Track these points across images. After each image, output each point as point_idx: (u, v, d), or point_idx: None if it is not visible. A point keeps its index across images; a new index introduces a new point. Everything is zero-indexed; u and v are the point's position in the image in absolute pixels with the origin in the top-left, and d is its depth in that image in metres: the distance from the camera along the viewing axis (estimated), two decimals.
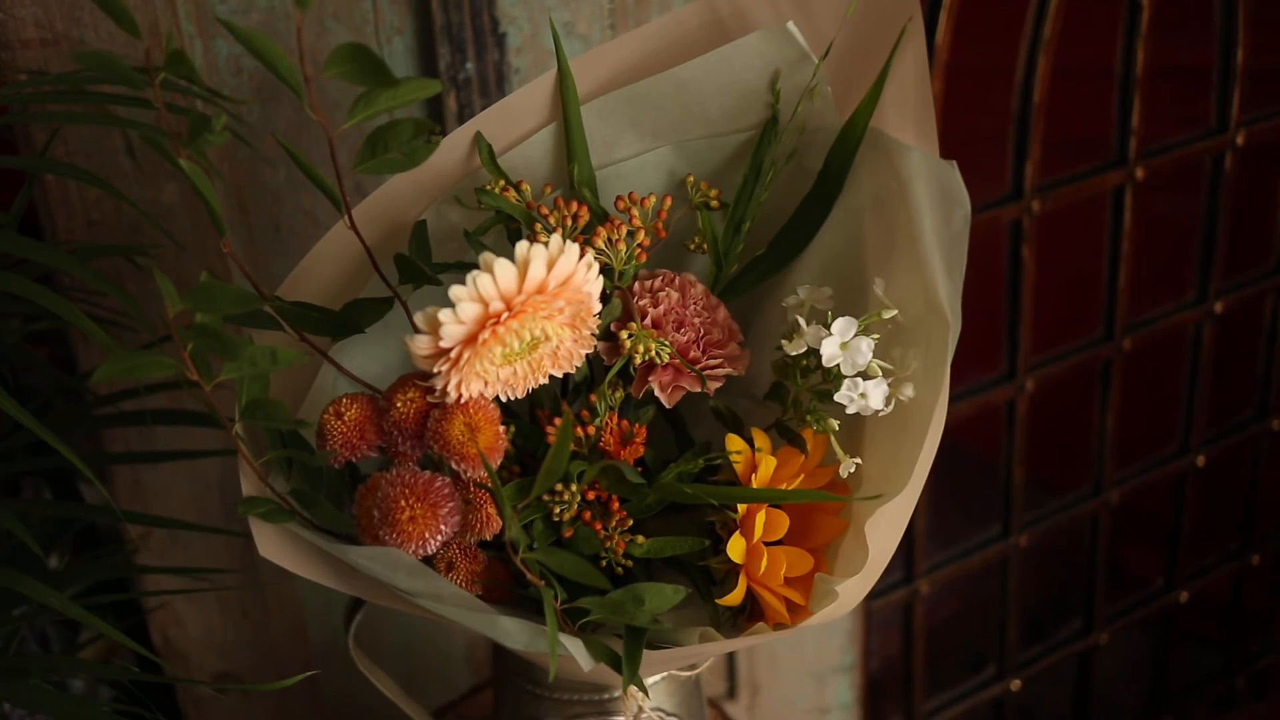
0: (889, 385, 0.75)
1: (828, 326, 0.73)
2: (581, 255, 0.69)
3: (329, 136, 0.68)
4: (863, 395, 0.73)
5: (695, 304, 0.79)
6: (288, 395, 0.78)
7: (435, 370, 0.66)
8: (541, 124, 0.79)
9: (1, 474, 1.19)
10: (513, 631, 0.71)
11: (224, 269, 1.12)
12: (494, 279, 0.64)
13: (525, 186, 0.78)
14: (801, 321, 0.73)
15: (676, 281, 0.79)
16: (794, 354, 0.74)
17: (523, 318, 0.65)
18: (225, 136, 0.65)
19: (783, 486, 0.76)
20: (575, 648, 0.70)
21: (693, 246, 0.81)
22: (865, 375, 0.73)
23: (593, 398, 0.75)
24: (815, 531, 0.81)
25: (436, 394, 0.68)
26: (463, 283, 0.64)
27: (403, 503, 0.67)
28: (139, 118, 1.01)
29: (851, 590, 0.75)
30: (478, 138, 0.78)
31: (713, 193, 0.81)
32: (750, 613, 0.79)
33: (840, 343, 0.72)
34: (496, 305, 0.64)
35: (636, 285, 0.79)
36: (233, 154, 1.09)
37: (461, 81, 1.09)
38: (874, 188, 0.76)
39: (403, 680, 1.35)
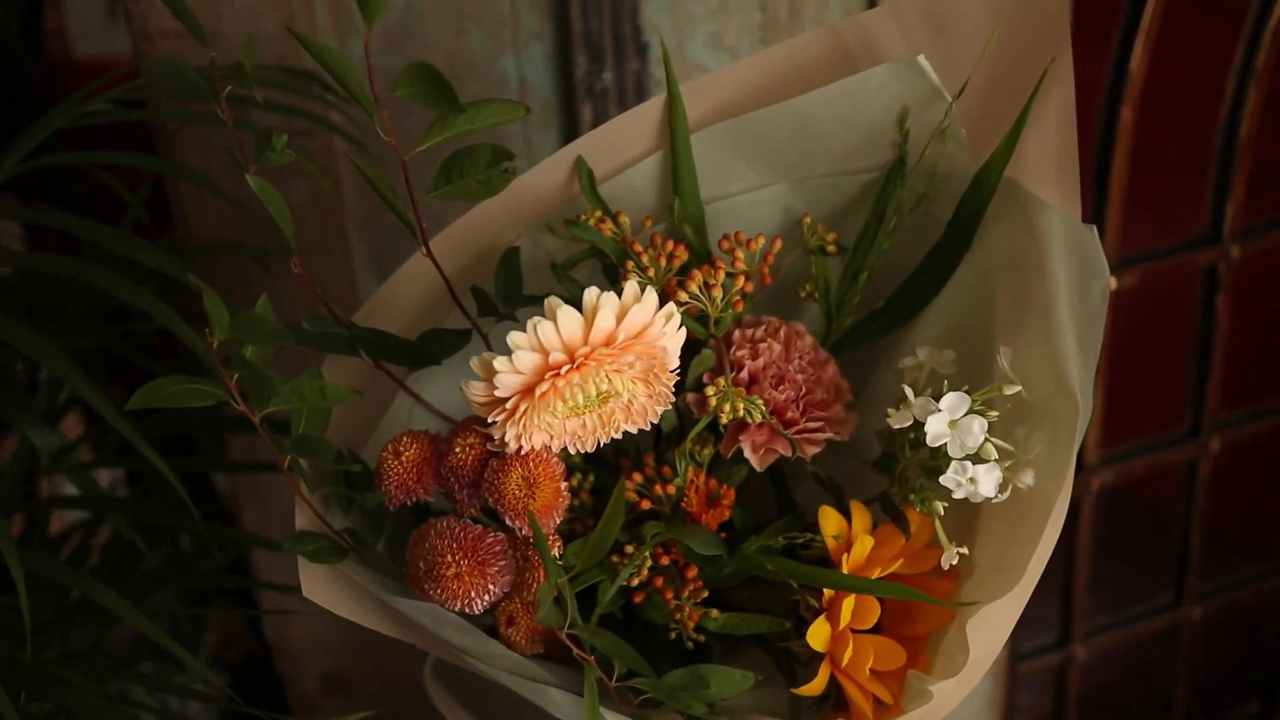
0: (1006, 469, 0.66)
1: (939, 398, 0.65)
2: (670, 299, 0.63)
3: (401, 160, 0.64)
4: (972, 480, 0.65)
5: (801, 358, 0.72)
6: (360, 422, 0.74)
7: (490, 420, 0.61)
8: (648, 151, 0.73)
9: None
10: (562, 704, 0.66)
11: (349, 270, 1.10)
12: (556, 328, 0.59)
13: (624, 219, 0.72)
14: (909, 391, 0.65)
15: (782, 332, 0.72)
16: (898, 426, 0.66)
17: (586, 371, 0.59)
18: (289, 156, 0.61)
19: (877, 570, 0.68)
20: None
21: (804, 294, 0.74)
22: (977, 458, 0.65)
23: (648, 459, 0.69)
24: (918, 619, 0.73)
25: (496, 443, 0.63)
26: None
27: (449, 558, 0.62)
28: (261, 119, 0.99)
29: (948, 693, 0.67)
30: (579, 163, 0.73)
31: (830, 236, 0.74)
32: (835, 704, 0.72)
33: (949, 420, 0.64)
34: (558, 356, 0.59)
35: (737, 333, 0.72)
36: (367, 155, 1.07)
37: (598, 91, 1.03)
38: (1007, 246, 0.68)
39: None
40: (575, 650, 0.62)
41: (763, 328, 0.72)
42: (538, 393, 0.59)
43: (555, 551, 0.66)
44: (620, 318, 0.60)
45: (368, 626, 0.68)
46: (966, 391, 0.66)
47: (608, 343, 0.60)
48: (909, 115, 0.70)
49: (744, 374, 0.71)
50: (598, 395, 0.62)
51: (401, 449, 0.66)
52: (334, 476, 0.69)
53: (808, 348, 0.72)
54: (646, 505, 0.70)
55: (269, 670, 1.36)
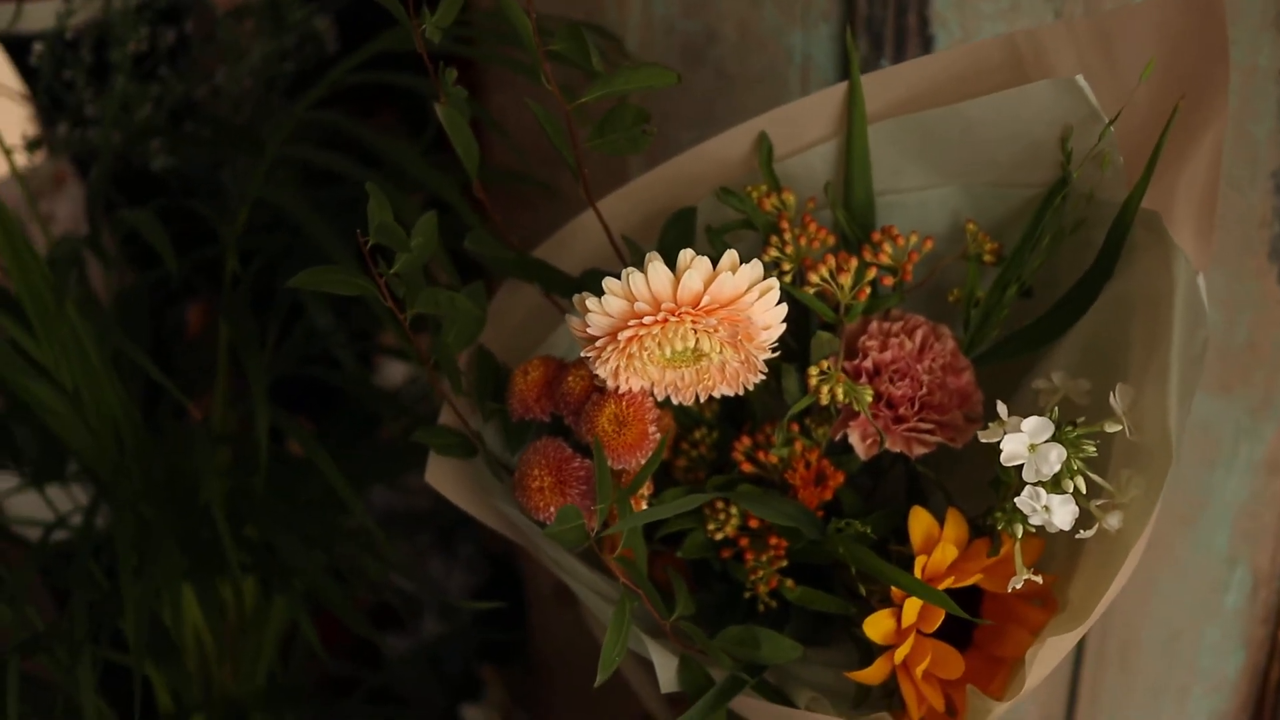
0: (1097, 507, 0.65)
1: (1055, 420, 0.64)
2: (797, 281, 0.66)
3: (564, 109, 0.70)
4: (1046, 509, 0.64)
5: (934, 360, 0.72)
6: (527, 344, 0.81)
7: (583, 355, 0.67)
8: (825, 137, 0.76)
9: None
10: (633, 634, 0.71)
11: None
12: (646, 280, 0.63)
13: (790, 196, 0.75)
14: (1002, 408, 0.65)
15: (920, 332, 0.73)
16: (986, 441, 0.66)
17: (668, 326, 0.64)
18: (461, 92, 0.69)
19: (950, 580, 0.69)
20: (663, 662, 0.68)
21: (952, 299, 0.74)
22: (1057, 488, 0.64)
23: (768, 427, 0.72)
24: (1010, 641, 0.72)
25: (599, 379, 0.69)
26: None
27: (536, 471, 0.69)
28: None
29: (995, 714, 0.67)
30: (761, 137, 0.76)
31: (989, 245, 0.73)
32: (900, 702, 0.73)
33: (1028, 444, 0.63)
34: (642, 306, 0.63)
35: (875, 324, 0.73)
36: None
37: None
38: (1147, 281, 0.65)
39: None
40: (620, 577, 0.67)
41: (901, 323, 0.73)
42: (622, 337, 0.64)
43: (646, 491, 0.70)
44: (708, 283, 0.63)
45: (473, 515, 0.76)
46: (1074, 423, 0.65)
47: (694, 303, 0.63)
48: (1071, 135, 0.68)
49: (868, 363, 0.72)
50: (688, 351, 0.66)
51: (530, 370, 0.73)
52: (483, 387, 0.77)
53: (946, 352, 0.73)
54: (748, 468, 0.73)
55: (515, 568, 1.49)
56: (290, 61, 1.22)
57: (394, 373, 1.56)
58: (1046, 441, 0.63)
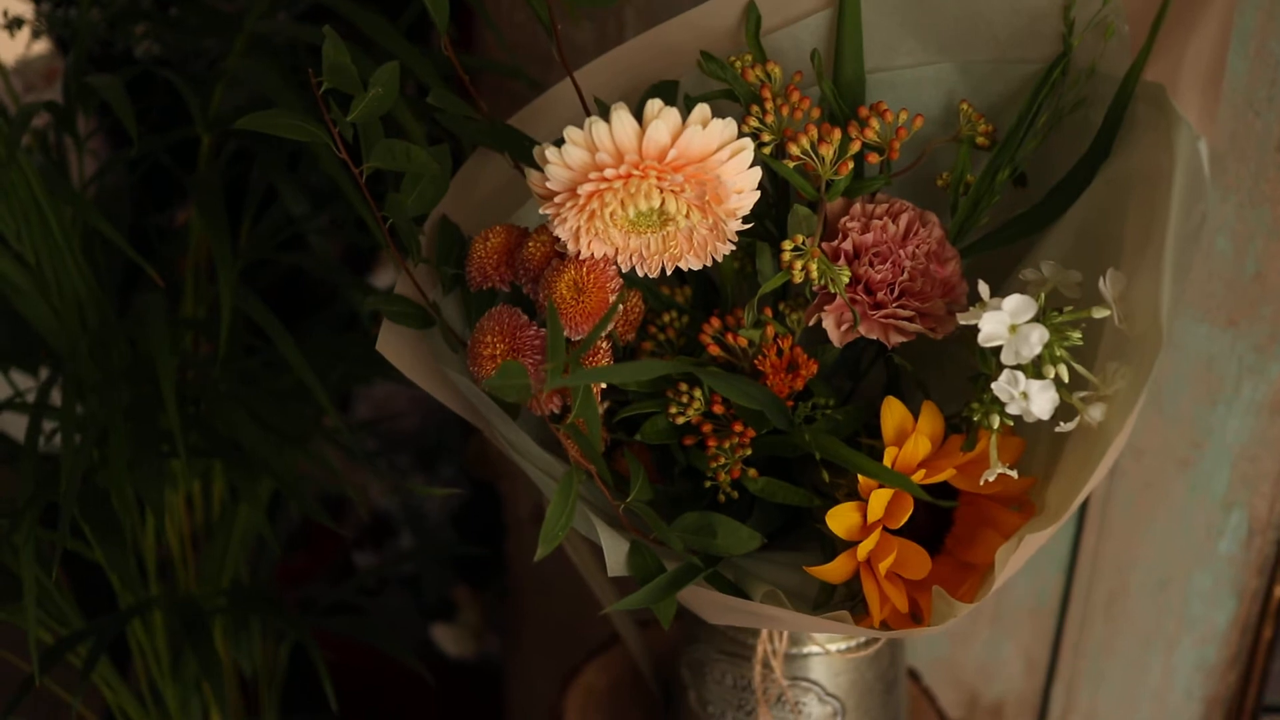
0: (1079, 399, 0.61)
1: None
2: (777, 155, 0.62)
3: None
4: (1024, 395, 0.60)
5: (919, 246, 0.68)
6: (496, 215, 0.77)
7: (541, 211, 0.63)
8: (817, 7, 0.71)
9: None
10: (583, 517, 0.67)
11: None
12: (610, 130, 0.59)
13: (775, 68, 0.71)
14: (984, 288, 0.61)
15: (906, 216, 0.69)
16: (965, 323, 0.61)
17: (631, 182, 0.60)
18: None
19: (922, 474, 0.65)
20: (612, 545, 0.65)
21: (940, 183, 0.70)
22: (1037, 374, 0.60)
23: (740, 311, 0.68)
24: (983, 545, 0.68)
25: (561, 244, 0.65)
26: None
27: (489, 338, 0.65)
28: None
29: (959, 615, 0.64)
30: (750, 6, 0.72)
31: (982, 127, 0.69)
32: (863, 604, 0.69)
33: (1009, 324, 0.59)
34: (604, 158, 0.59)
35: (858, 206, 0.69)
36: None
37: None
38: (1146, 160, 0.61)
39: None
40: (569, 448, 0.63)
41: (887, 206, 0.69)
42: (583, 191, 0.60)
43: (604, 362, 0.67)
44: (675, 136, 0.59)
45: (423, 388, 0.72)
46: (1060, 309, 0.61)
47: (659, 157, 0.59)
48: (1075, 3, 0.64)
49: (848, 244, 0.68)
50: (653, 214, 0.62)
51: (491, 236, 0.69)
52: (444, 257, 0.73)
53: (932, 239, 0.69)
54: (716, 351, 0.69)
55: (495, 491, 1.45)
56: None
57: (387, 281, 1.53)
58: (1028, 322, 0.59)
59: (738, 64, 0.71)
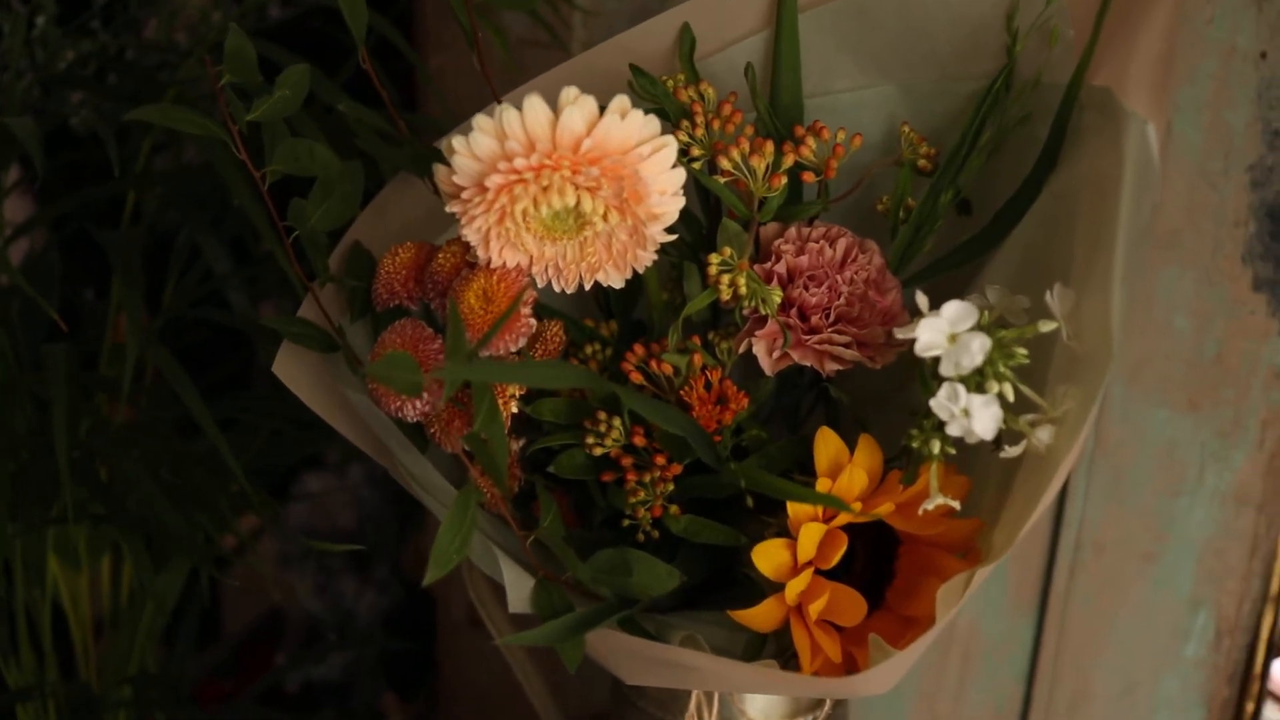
0: (1026, 422, 0.56)
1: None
2: (703, 168, 0.58)
3: None
4: (965, 413, 0.55)
5: (857, 272, 0.64)
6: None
7: (448, 210, 0.58)
8: (753, 29, 0.68)
9: None
10: (479, 551, 0.61)
11: None
12: (521, 117, 0.55)
13: (709, 89, 0.67)
14: (922, 300, 0.56)
15: (843, 242, 0.65)
16: (902, 337, 0.57)
17: (544, 176, 0.55)
18: None
19: (858, 511, 0.59)
20: (515, 580, 0.59)
21: (881, 207, 0.66)
22: (979, 386, 0.55)
23: (664, 341, 0.63)
24: (922, 599, 0.63)
25: (471, 253, 0.60)
26: None
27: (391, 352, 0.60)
28: None
29: (896, 666, 0.57)
30: (684, 30, 0.69)
31: (924, 149, 0.65)
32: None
33: (948, 332, 0.55)
34: (513, 146, 0.55)
35: (794, 229, 0.65)
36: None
37: None
38: (1091, 165, 0.57)
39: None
40: (470, 466, 0.57)
41: (823, 230, 0.65)
42: (491, 184, 0.56)
43: (516, 390, 0.61)
44: (591, 125, 0.55)
45: (321, 416, 0.66)
46: (1000, 324, 0.57)
47: (574, 148, 0.55)
48: (1017, 12, 0.61)
49: (781, 266, 0.64)
50: (569, 215, 0.57)
51: (400, 251, 0.65)
52: (354, 281, 0.68)
53: (872, 267, 0.65)
54: (638, 379, 0.64)
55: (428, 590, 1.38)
56: (220, 13, 1.16)
57: None
58: (969, 330, 0.54)
59: (670, 82, 0.67)
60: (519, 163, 0.55)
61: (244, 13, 1.14)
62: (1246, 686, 1.08)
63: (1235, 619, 1.05)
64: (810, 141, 0.64)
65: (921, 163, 0.65)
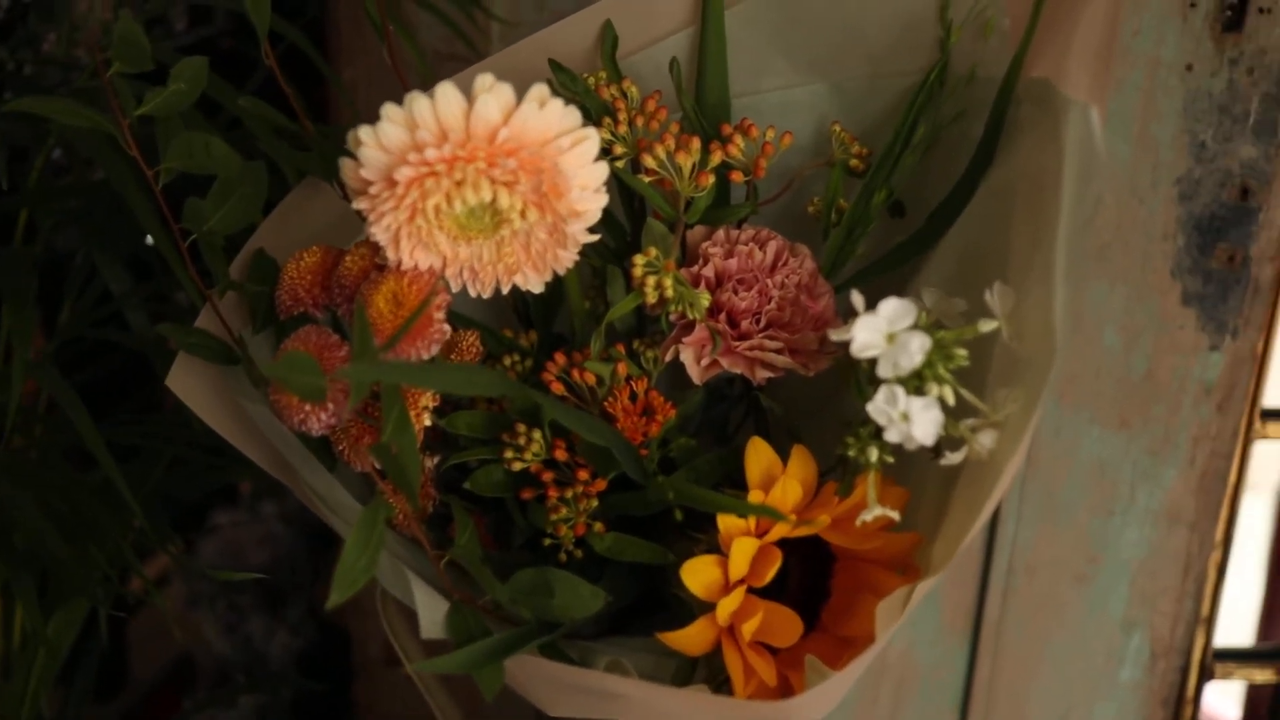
0: (966, 428, 0.53)
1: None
2: (627, 167, 0.55)
3: None
4: (904, 417, 0.52)
5: (788, 276, 0.61)
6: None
7: (355, 207, 0.55)
8: (678, 26, 0.66)
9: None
10: (386, 570, 0.57)
11: None
12: (433, 105, 0.52)
13: (632, 87, 0.64)
14: (857, 299, 0.54)
15: (773, 245, 0.62)
16: (837, 340, 0.54)
17: (458, 168, 0.52)
18: None
19: (792, 523, 0.56)
20: (428, 604, 0.55)
21: (812, 209, 0.64)
22: (918, 389, 0.52)
23: (587, 350, 0.60)
24: (859, 618, 0.60)
25: (380, 255, 0.57)
26: None
27: None
28: None
29: (835, 685, 0.54)
30: (606, 27, 0.66)
31: (855, 149, 0.63)
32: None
33: (885, 331, 0.52)
34: (424, 136, 0.52)
35: (721, 233, 0.62)
36: None
37: None
38: (1029, 159, 0.55)
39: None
40: (378, 481, 0.53)
41: (752, 233, 0.62)
42: (401, 178, 0.52)
43: (429, 401, 0.58)
44: (507, 115, 0.52)
45: (220, 433, 0.62)
46: (939, 326, 0.54)
47: (489, 138, 0.52)
48: (951, 4, 0.59)
49: (709, 270, 0.61)
50: (484, 211, 0.54)
51: (306, 255, 0.61)
52: (257, 289, 0.64)
53: (804, 271, 0.62)
54: (559, 389, 0.61)
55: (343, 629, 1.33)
56: None
57: None
58: (908, 329, 0.52)
59: (591, 80, 0.64)
60: (430, 154, 0.51)
61: (148, 25, 1.09)
62: (1180, 710, 1.06)
63: (1170, 640, 1.03)
64: (738, 140, 0.61)
65: (853, 163, 0.63)
